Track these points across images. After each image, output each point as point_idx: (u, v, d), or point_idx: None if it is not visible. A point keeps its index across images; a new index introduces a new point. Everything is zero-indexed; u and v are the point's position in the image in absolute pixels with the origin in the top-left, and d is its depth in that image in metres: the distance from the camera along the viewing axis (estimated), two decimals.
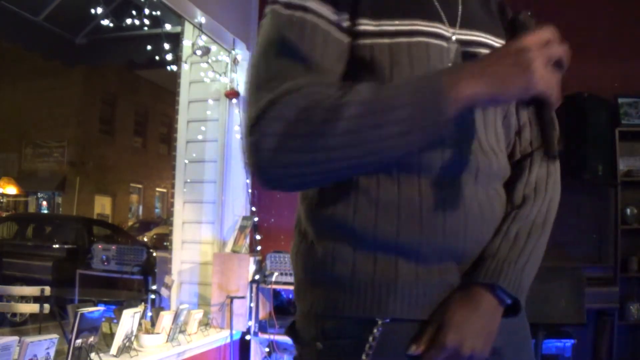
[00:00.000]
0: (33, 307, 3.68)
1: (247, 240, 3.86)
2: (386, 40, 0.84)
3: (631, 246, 3.72)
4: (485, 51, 0.91)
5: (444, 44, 0.87)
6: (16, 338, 1.98)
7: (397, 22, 0.85)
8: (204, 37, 3.61)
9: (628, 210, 3.77)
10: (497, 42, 0.94)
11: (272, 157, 0.74)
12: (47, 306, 3.36)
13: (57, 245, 7.75)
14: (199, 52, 3.59)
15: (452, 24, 0.90)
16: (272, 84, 0.76)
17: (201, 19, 3.50)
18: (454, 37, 0.89)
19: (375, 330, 0.81)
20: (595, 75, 3.85)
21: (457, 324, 0.80)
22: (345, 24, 0.83)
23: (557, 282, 3.00)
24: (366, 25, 0.84)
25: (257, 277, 3.65)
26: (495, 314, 0.84)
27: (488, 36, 0.93)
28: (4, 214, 11.85)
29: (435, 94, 0.73)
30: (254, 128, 0.74)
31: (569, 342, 3.23)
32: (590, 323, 3.58)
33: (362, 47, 0.85)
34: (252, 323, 3.60)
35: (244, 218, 3.95)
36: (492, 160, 0.89)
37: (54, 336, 2.08)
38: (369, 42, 0.84)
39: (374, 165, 0.79)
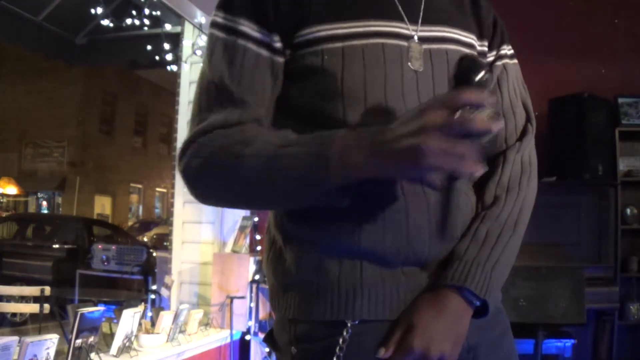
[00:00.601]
0: (33, 307, 3.68)
1: (247, 240, 3.86)
2: (338, 44, 0.83)
3: (631, 246, 3.72)
4: (452, 47, 0.89)
5: (403, 43, 0.86)
6: (16, 338, 1.98)
7: (350, 24, 0.84)
8: (204, 37, 3.61)
9: (628, 210, 3.77)
10: (464, 37, 0.91)
11: (193, 182, 0.84)
12: (47, 306, 3.36)
13: (57, 245, 7.74)
14: (199, 52, 3.60)
15: (414, 22, 0.88)
16: (202, 115, 0.85)
17: (201, 19, 3.50)
18: (415, 36, 0.87)
19: (344, 333, 0.81)
20: (595, 75, 3.86)
21: (424, 327, 0.79)
22: (277, 44, 0.85)
23: (557, 282, 3.00)
24: (317, 32, 0.84)
25: (257, 277, 3.65)
26: (463, 316, 0.83)
27: (455, 30, 0.90)
28: (4, 214, 11.84)
29: (320, 165, 0.74)
30: (183, 155, 0.84)
31: (569, 342, 3.23)
32: (590, 323, 3.58)
33: (312, 53, 0.85)
34: (252, 323, 3.60)
35: (244, 218, 3.95)
36: None
37: (54, 336, 2.08)
38: (320, 47, 0.84)
39: (270, 208, 0.92)
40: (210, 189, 0.84)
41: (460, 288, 0.82)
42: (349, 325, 0.81)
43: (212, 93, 0.85)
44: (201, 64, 0.91)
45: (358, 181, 0.74)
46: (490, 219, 0.88)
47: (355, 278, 0.82)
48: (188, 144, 0.84)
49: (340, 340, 0.81)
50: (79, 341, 2.26)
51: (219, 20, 0.87)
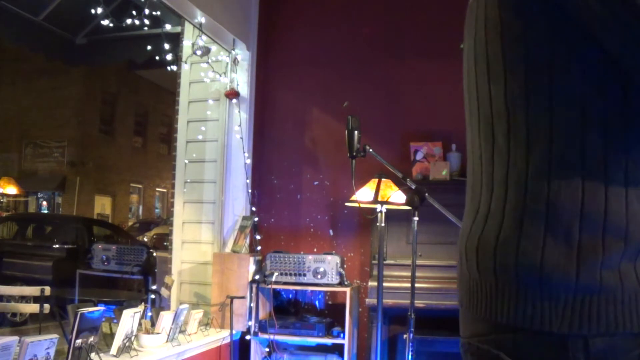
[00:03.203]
0: (33, 307, 3.68)
1: (247, 240, 3.86)
2: None
3: None
4: None
5: None
6: (16, 338, 1.98)
7: None
8: (204, 37, 3.61)
9: None
10: None
11: None
12: (47, 306, 3.36)
13: (57, 245, 7.74)
14: (199, 52, 3.60)
15: None
16: None
17: (201, 19, 3.50)
18: None
19: None
20: None
21: None
22: None
23: None
24: None
25: (257, 277, 3.65)
26: None
27: None
28: (4, 214, 11.85)
29: None
30: None
31: None
32: None
33: None
34: (252, 323, 3.60)
35: (244, 218, 3.95)
36: None
37: (54, 336, 2.08)
38: None
39: None
40: None
41: None
42: None
43: None
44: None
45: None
46: None
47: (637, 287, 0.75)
48: None
49: None
50: (79, 341, 2.26)
51: None
